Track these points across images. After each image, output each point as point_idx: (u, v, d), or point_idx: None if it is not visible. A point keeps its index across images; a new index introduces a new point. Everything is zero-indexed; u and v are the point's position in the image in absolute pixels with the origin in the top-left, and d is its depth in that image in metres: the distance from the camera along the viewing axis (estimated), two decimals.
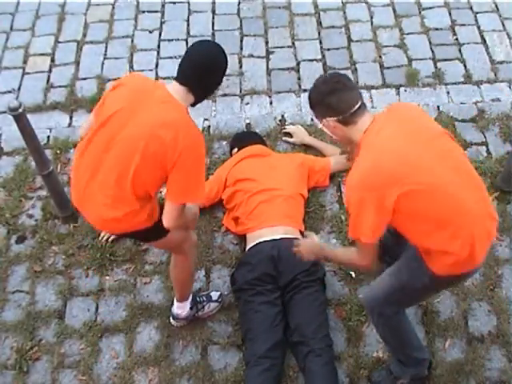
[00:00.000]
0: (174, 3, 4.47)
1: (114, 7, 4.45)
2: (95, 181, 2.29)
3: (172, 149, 2.16)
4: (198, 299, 2.95)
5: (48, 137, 3.72)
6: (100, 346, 2.93)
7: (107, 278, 3.14)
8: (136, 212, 2.30)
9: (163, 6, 4.46)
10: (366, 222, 2.09)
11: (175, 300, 2.89)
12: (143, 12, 4.42)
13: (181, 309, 2.90)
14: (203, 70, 2.21)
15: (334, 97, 2.13)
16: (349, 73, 4.00)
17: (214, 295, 3.00)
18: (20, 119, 2.82)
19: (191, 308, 2.92)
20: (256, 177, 3.20)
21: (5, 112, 3.55)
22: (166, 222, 2.29)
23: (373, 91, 3.91)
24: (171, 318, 2.96)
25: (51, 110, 3.87)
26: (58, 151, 3.63)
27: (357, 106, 2.13)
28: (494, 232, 2.23)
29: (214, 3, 4.45)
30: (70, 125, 3.79)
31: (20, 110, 2.76)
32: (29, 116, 2.91)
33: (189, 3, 4.46)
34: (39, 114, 3.82)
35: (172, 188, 2.25)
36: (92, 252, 3.21)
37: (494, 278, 3.07)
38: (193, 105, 2.29)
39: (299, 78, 4.00)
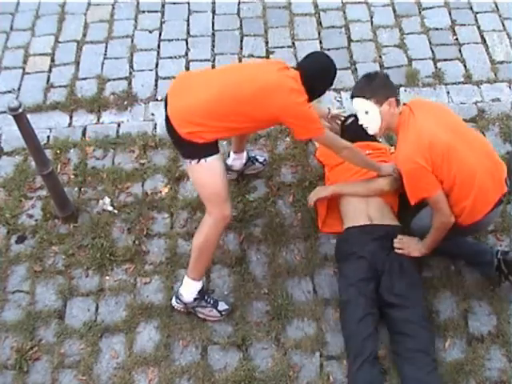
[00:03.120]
0: (174, 3, 4.48)
1: (114, 7, 4.45)
2: None
3: None
4: (205, 297, 2.95)
5: (48, 137, 3.72)
6: (100, 346, 2.93)
7: (107, 278, 3.14)
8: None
9: (163, 6, 4.46)
10: (428, 180, 2.61)
11: (185, 276, 2.91)
12: (143, 12, 4.42)
13: (186, 290, 2.90)
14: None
15: (389, 80, 2.70)
16: (349, 73, 4.00)
17: (221, 306, 2.97)
18: (20, 119, 2.82)
19: (195, 299, 2.92)
20: None
21: (5, 112, 3.57)
22: None
23: None
24: (174, 297, 2.96)
25: (51, 110, 3.87)
26: (58, 151, 3.63)
27: None
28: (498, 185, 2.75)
29: (213, 3, 4.45)
30: (69, 125, 3.79)
31: (20, 110, 2.77)
32: (29, 116, 2.91)
33: (189, 3, 4.46)
34: (39, 114, 3.82)
35: None
36: (92, 252, 3.21)
37: (494, 278, 3.07)
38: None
39: None
